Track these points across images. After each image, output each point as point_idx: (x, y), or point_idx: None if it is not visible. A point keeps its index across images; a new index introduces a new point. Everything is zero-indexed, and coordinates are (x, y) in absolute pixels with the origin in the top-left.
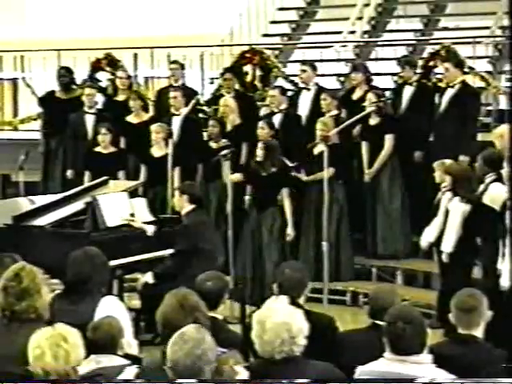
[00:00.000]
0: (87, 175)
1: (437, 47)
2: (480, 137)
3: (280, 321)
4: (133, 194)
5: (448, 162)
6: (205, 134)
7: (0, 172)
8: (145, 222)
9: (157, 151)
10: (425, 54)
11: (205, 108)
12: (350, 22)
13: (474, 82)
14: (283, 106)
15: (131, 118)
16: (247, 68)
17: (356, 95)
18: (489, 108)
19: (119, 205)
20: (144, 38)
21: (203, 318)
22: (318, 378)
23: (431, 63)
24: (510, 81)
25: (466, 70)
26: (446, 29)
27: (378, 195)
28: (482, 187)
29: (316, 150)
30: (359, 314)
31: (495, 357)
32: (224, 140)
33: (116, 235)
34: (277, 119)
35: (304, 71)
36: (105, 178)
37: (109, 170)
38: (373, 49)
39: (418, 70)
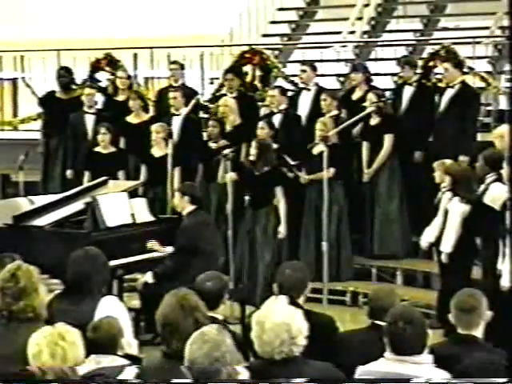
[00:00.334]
0: (87, 175)
1: (436, 47)
2: (480, 137)
3: (279, 321)
4: (133, 194)
5: (448, 162)
6: (205, 134)
7: (0, 172)
8: (145, 222)
9: (157, 151)
10: (424, 55)
11: (208, 104)
12: (350, 22)
13: (474, 82)
14: (283, 106)
15: (131, 118)
16: (247, 68)
17: (356, 95)
18: (489, 108)
19: (119, 205)
20: (144, 38)
21: (203, 318)
22: (317, 378)
23: (431, 63)
24: (509, 81)
25: (465, 70)
26: (445, 29)
27: (376, 195)
28: (482, 187)
29: (315, 150)
30: (359, 314)
31: (495, 357)
32: (223, 140)
33: (116, 235)
34: (277, 119)
35: (304, 71)
36: (104, 178)
37: (108, 170)
38: (372, 49)
39: (418, 70)
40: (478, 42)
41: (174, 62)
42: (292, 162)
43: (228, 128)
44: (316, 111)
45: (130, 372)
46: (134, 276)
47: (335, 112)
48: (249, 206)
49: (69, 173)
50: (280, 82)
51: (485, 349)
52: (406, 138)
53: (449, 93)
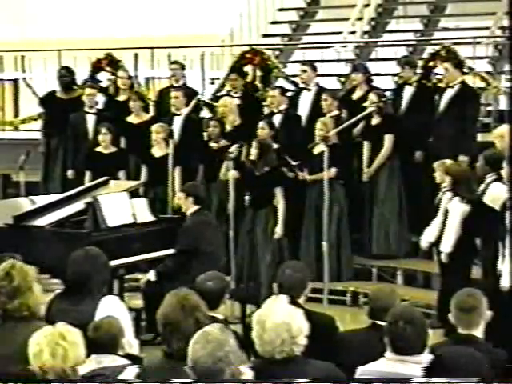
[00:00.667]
0: (88, 175)
1: (437, 47)
2: (480, 137)
3: (280, 321)
4: (133, 194)
5: (448, 162)
6: (205, 135)
7: (0, 172)
8: (146, 222)
9: (157, 151)
10: (425, 55)
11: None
12: (350, 23)
13: (474, 82)
14: (283, 107)
15: (132, 118)
16: (247, 68)
17: (356, 95)
18: (489, 108)
19: (120, 205)
20: (144, 39)
21: (204, 318)
22: (318, 377)
23: (431, 63)
24: (510, 81)
25: (465, 70)
26: (446, 29)
27: (376, 195)
28: (482, 187)
29: (316, 150)
30: (359, 314)
31: (495, 357)
32: (224, 140)
33: (117, 235)
34: (277, 119)
35: (304, 71)
36: (105, 178)
37: (109, 170)
38: (373, 49)
39: (418, 71)
40: (479, 42)
41: (175, 62)
42: (293, 163)
43: (228, 128)
44: (316, 111)
45: (131, 372)
46: (135, 276)
47: (336, 112)
48: (249, 207)
49: (70, 173)
50: (280, 82)
51: (485, 349)
52: (406, 137)
53: (449, 93)
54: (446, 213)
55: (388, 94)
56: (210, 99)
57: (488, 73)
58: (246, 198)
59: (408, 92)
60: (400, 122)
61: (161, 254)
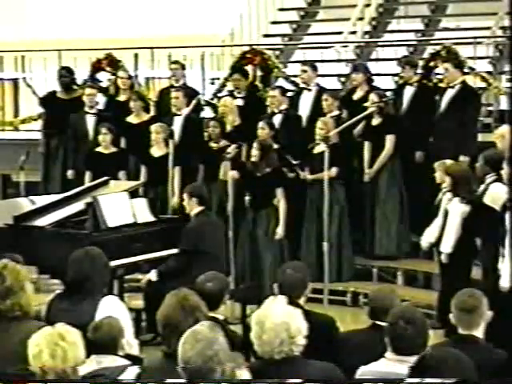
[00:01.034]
0: (88, 175)
1: (437, 47)
2: (481, 137)
3: (279, 321)
4: (133, 194)
5: (448, 162)
6: (206, 135)
7: (0, 172)
8: (146, 223)
9: (156, 151)
10: (425, 55)
11: (215, 103)
12: (351, 23)
13: (475, 82)
14: (284, 107)
15: (132, 119)
16: (248, 68)
17: (357, 95)
18: (489, 108)
19: (120, 205)
20: (144, 39)
21: (204, 318)
22: (317, 377)
23: (432, 63)
24: (510, 81)
25: (466, 70)
26: (446, 29)
27: (377, 195)
28: (482, 187)
29: (316, 150)
30: (359, 314)
31: (495, 357)
32: (224, 141)
33: (117, 235)
34: (277, 120)
35: (305, 71)
36: (105, 178)
37: (110, 171)
38: (373, 49)
39: (419, 71)
40: (479, 43)
41: (175, 62)
42: (294, 162)
43: (228, 128)
44: (317, 111)
45: (131, 372)
46: (135, 276)
47: (336, 112)
48: (249, 207)
49: (70, 173)
50: (281, 82)
51: (485, 349)
52: (407, 138)
53: (449, 93)
54: (446, 213)
55: (388, 94)
56: (211, 99)
57: (489, 73)
58: (246, 198)
59: (408, 92)
60: (400, 122)
61: (161, 254)
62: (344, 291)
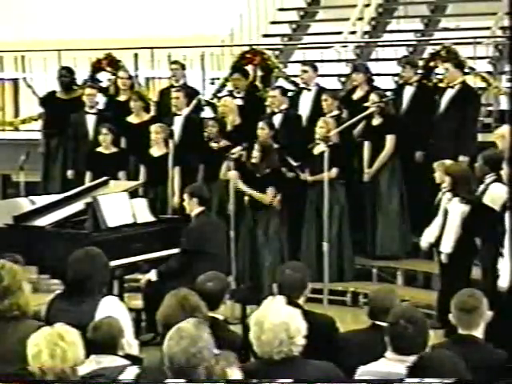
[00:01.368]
0: (88, 175)
1: (437, 47)
2: (481, 137)
3: (278, 321)
4: (133, 194)
5: (448, 162)
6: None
7: (0, 172)
8: (146, 223)
9: (156, 151)
10: (425, 55)
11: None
12: (351, 23)
13: (475, 82)
14: (284, 107)
15: (132, 119)
16: (248, 68)
17: (357, 95)
18: (490, 108)
19: (120, 205)
20: (144, 39)
21: (203, 318)
22: (317, 377)
23: (432, 63)
24: (510, 81)
25: (466, 70)
26: (446, 29)
27: (377, 195)
28: (481, 187)
29: (316, 151)
30: (359, 314)
31: (495, 357)
32: (224, 140)
33: (117, 235)
34: (277, 119)
35: (305, 71)
36: (105, 178)
37: (110, 171)
38: (373, 49)
39: (419, 71)
40: (479, 43)
41: (175, 62)
42: (294, 163)
43: (228, 128)
44: (317, 111)
45: (131, 372)
46: (135, 276)
47: (336, 112)
48: (249, 207)
49: (70, 173)
50: (281, 82)
51: (485, 349)
52: (407, 138)
53: (449, 93)
54: (446, 213)
55: (388, 94)
56: (211, 99)
57: (489, 73)
58: (246, 198)
59: (408, 92)
60: (400, 122)
61: (161, 255)
62: (344, 291)
